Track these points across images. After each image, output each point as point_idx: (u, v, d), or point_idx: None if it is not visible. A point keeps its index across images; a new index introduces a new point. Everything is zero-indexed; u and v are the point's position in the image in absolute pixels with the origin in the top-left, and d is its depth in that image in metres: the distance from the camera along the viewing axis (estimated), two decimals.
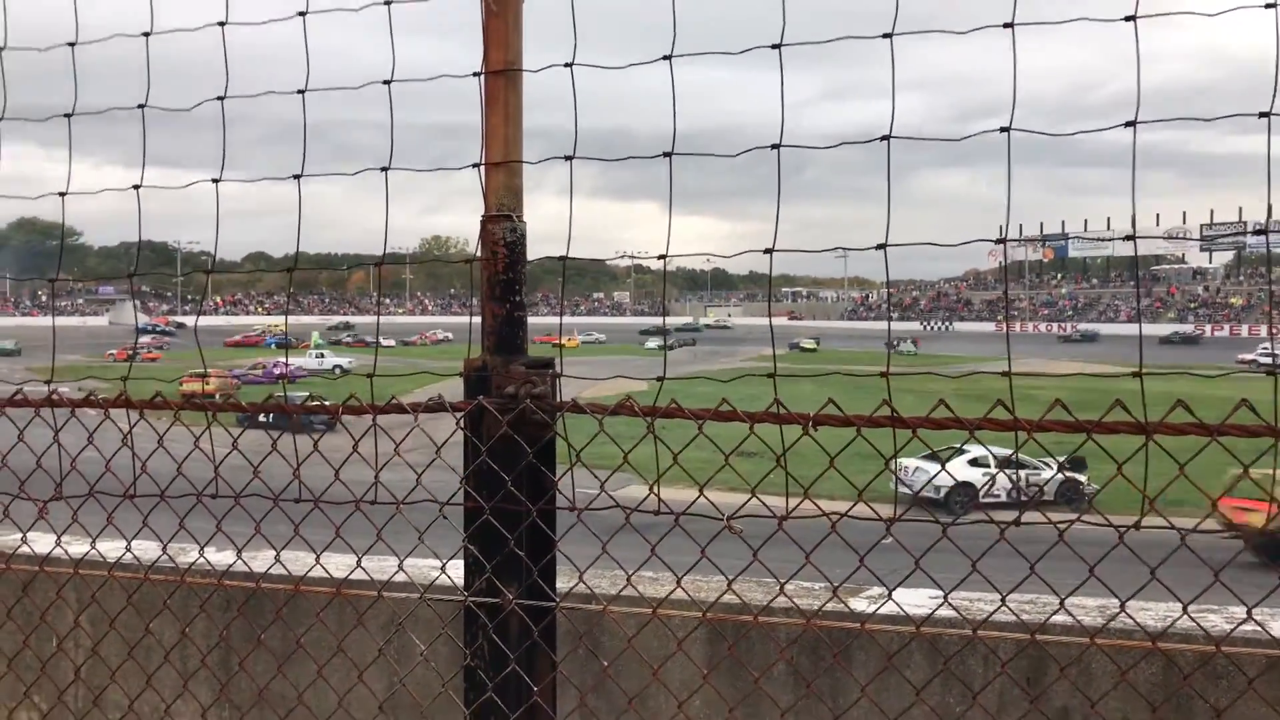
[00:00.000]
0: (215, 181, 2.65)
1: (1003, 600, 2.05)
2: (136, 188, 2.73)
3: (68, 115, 2.78)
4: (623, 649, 2.89)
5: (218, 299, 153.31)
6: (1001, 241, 2.17)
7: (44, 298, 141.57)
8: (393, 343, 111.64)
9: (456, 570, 2.71)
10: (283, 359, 72.57)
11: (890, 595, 2.08)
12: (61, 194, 2.78)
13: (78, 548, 2.81)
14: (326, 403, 2.55)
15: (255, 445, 2.59)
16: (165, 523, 2.78)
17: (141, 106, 2.69)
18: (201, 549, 2.60)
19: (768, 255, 2.38)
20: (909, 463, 25.33)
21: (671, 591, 2.31)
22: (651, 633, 3.80)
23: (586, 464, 2.34)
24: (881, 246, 2.18)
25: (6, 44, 2.81)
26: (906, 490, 23.09)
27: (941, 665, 2.70)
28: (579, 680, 3.67)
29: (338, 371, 71.23)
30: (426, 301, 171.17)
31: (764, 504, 2.12)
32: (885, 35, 2.20)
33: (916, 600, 3.46)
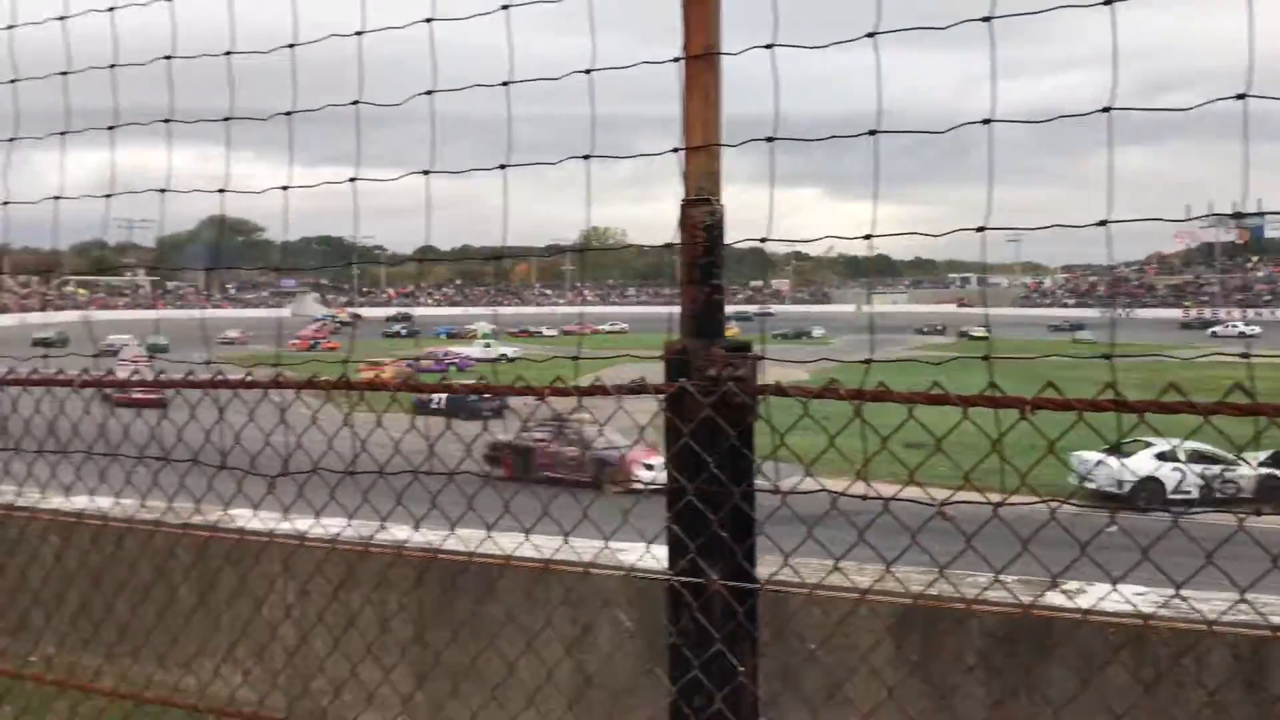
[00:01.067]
0: (425, 173, 2.77)
1: (1242, 595, 1.95)
2: (353, 180, 2.88)
3: (288, 113, 2.96)
4: (828, 634, 2.88)
5: (390, 291, 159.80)
6: (1237, 216, 2.06)
7: (232, 290, 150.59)
8: (555, 332, 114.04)
9: (627, 555, 2.75)
10: (452, 348, 75.43)
11: (1115, 587, 2.00)
12: (284, 188, 2.97)
13: (301, 522, 2.99)
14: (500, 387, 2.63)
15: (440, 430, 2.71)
16: (354, 501, 2.94)
17: (355, 103, 2.84)
18: (417, 524, 2.74)
19: (980, 234, 2.33)
20: (1089, 455, 24.22)
21: (880, 578, 2.29)
22: (833, 623, 3.77)
23: (789, 448, 2.34)
24: (1104, 223, 2.10)
25: (234, 48, 3.01)
26: (1090, 484, 22.10)
27: (1169, 660, 2.58)
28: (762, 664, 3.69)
29: (504, 360, 73.28)
30: (586, 292, 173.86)
31: (980, 492, 2.07)
32: (1105, 1, 2.11)
33: (1118, 598, 3.32)
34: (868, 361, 2.28)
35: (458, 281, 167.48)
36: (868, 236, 2.33)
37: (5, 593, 4.07)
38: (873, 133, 2.27)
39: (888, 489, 2.32)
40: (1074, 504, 2.08)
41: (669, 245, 2.52)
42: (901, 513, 2.27)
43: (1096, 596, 3.18)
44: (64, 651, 4.15)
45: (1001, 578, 3.98)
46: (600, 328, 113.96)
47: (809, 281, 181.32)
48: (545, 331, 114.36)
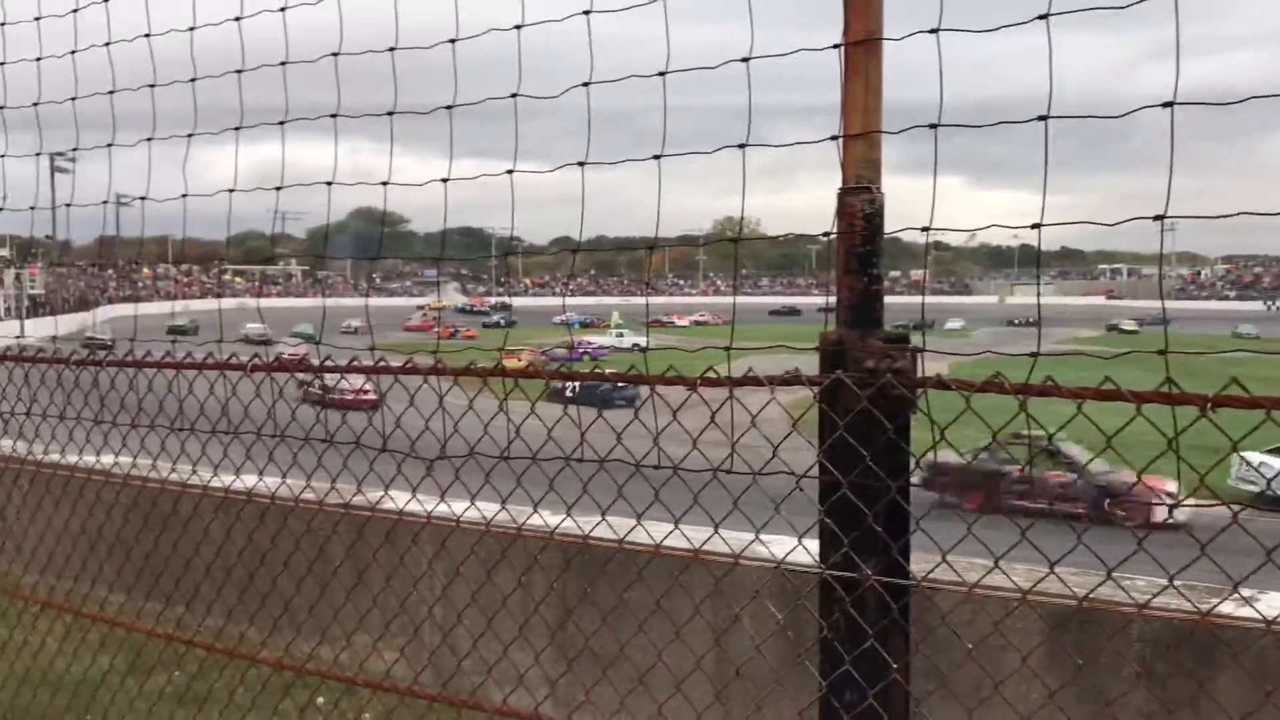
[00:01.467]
0: (581, 165, 2.81)
1: None
2: (510, 171, 2.95)
3: (449, 107, 3.04)
4: (987, 634, 2.81)
5: (527, 281, 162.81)
6: None
7: (377, 280, 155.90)
8: (687, 322, 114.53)
9: (778, 547, 2.71)
10: (586, 338, 76.72)
11: None
12: (444, 180, 3.07)
13: (457, 505, 3.07)
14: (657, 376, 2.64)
15: (586, 419, 2.74)
16: (507, 486, 3.01)
17: (514, 95, 2.90)
18: (569, 510, 2.78)
19: (1140, 223, 2.24)
20: (1253, 456, 22.92)
21: (1044, 577, 2.21)
22: (987, 621, 3.67)
23: (950, 443, 2.29)
24: None
25: (397, 44, 3.11)
26: (1250, 486, 20.94)
27: None
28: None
29: (636, 349, 74.34)
30: (719, 282, 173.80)
31: (1154, 492, 1.98)
32: None
33: None
34: (1034, 355, 2.20)
35: (591, 271, 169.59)
36: (1035, 226, 2.25)
37: (179, 565, 4.32)
38: (1043, 118, 2.19)
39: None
40: (1258, 508, 1.97)
41: (827, 234, 2.48)
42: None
43: (1272, 605, 3.02)
44: (231, 623, 4.38)
45: (1159, 582, 3.81)
46: (689, 319, 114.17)
47: (949, 272, 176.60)
48: (677, 321, 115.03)
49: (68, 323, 69.81)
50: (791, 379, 2.47)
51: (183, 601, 4.48)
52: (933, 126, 2.33)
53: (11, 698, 4.56)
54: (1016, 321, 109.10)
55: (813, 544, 2.52)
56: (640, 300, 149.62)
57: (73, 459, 4.74)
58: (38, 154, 4.08)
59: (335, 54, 3.19)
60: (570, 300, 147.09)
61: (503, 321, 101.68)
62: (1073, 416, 2.11)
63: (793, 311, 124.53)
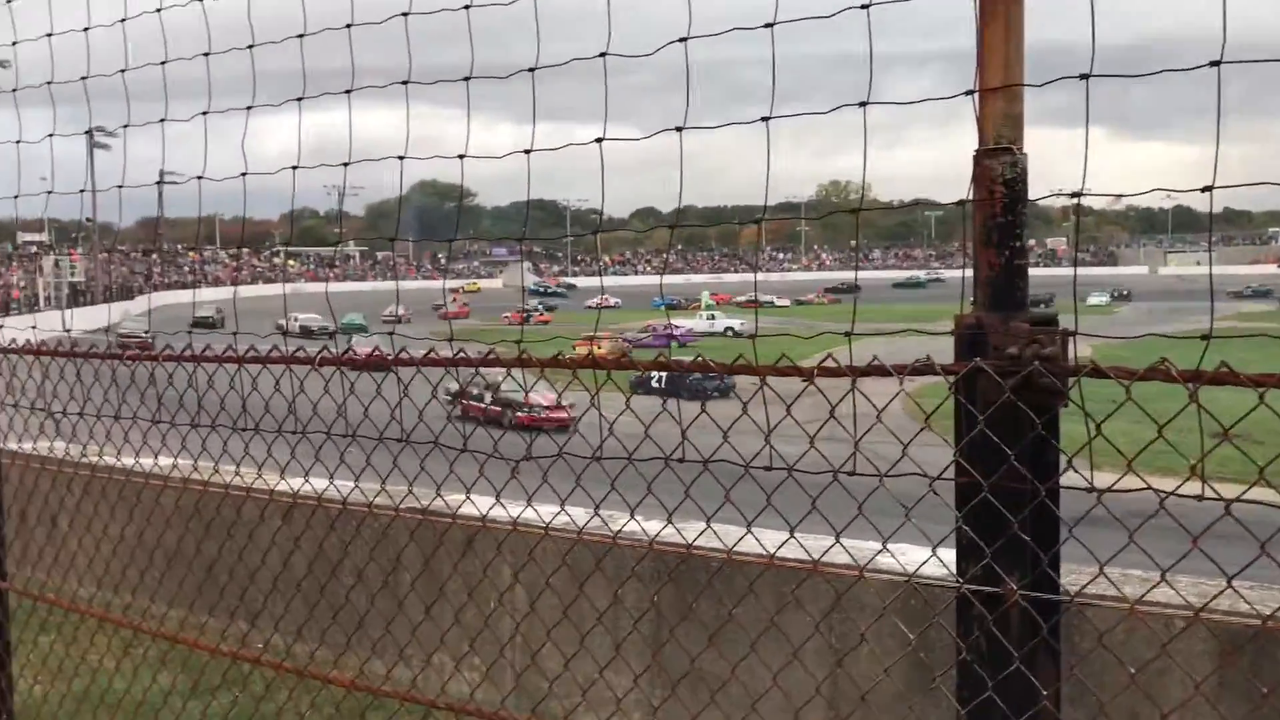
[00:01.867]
0: (679, 130, 2.81)
1: None
2: (599, 140, 2.96)
3: (531, 69, 3.08)
4: (1153, 656, 2.76)
5: (607, 258, 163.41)
6: None
7: (443, 260, 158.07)
8: (787, 302, 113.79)
9: (907, 557, 2.69)
10: (673, 321, 76.96)
11: None
12: (527, 151, 3.10)
13: (546, 510, 3.12)
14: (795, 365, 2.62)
15: (686, 414, 2.75)
16: (599, 490, 3.04)
17: (603, 55, 2.91)
18: (670, 516, 2.81)
19: None
20: None
21: (1220, 593, 2.16)
22: (1143, 641, 3.60)
23: (1107, 438, 2.24)
24: None
25: (472, 4, 3.16)
26: None
27: None
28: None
29: (729, 334, 74.49)
30: (824, 256, 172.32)
31: None
32: None
33: None
34: (1206, 337, 2.14)
35: (679, 246, 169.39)
36: (1206, 189, 2.19)
37: (243, 577, 4.45)
38: (1214, 64, 2.12)
39: (1227, 490, 2.18)
40: None
41: (960, 203, 2.45)
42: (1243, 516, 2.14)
43: None
44: (300, 641, 4.51)
45: None
46: (738, 299, 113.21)
47: (1091, 239, 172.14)
48: (776, 301, 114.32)
49: (118, 313, 71.60)
50: (924, 368, 2.44)
51: (246, 617, 4.62)
52: (1084, 77, 2.28)
53: (70, 718, 4.77)
54: (1118, 294, 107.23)
55: (947, 554, 2.50)
56: (732, 278, 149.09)
57: (127, 461, 4.92)
58: (87, 131, 4.24)
59: (405, 14, 3.24)
60: (652, 279, 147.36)
61: (541, 307, 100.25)
62: (1254, 408, 2.05)
63: (853, 288, 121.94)
